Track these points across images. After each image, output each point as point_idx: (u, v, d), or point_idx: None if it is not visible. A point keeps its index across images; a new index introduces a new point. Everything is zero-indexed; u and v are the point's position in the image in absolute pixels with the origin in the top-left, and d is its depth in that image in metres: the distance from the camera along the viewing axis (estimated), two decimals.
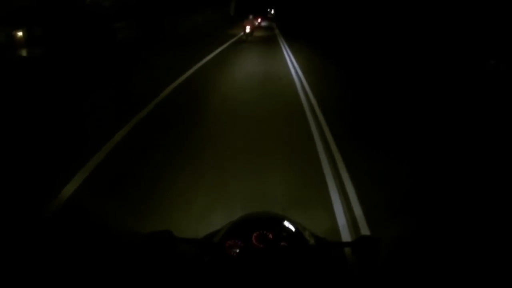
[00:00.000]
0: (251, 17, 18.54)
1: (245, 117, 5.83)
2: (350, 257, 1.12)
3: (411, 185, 3.70)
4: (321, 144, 4.79)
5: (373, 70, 10.59)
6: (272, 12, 48.89)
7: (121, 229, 2.49)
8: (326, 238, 1.19)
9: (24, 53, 9.45)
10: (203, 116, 5.83)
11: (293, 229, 1.12)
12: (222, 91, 7.58)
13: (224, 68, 10.25)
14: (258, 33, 20.24)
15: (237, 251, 1.02)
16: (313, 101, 6.91)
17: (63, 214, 3.05)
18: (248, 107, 6.46)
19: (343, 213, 3.20)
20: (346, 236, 2.90)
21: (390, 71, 10.31)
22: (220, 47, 14.25)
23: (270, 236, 1.05)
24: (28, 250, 2.35)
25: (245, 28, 17.31)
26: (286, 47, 15.60)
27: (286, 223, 1.14)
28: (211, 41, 15.53)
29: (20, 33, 9.69)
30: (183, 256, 1.09)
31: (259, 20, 19.11)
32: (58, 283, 1.00)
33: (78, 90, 6.97)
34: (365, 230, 2.97)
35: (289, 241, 1.06)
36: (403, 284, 1.09)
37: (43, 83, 7.13)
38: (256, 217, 1.21)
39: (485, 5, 9.90)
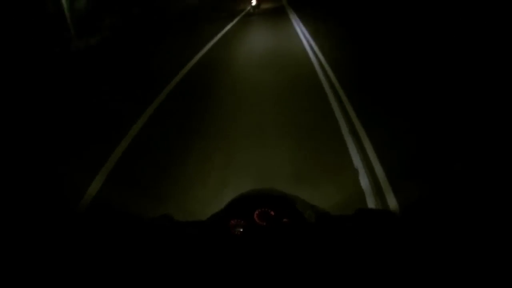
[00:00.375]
0: None
1: (266, 62, 8.01)
2: (354, 230, 1.12)
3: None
4: (326, 82, 6.08)
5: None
6: None
7: (121, 216, 2.52)
8: (329, 213, 1.21)
9: None
10: (237, 60, 8.24)
11: (294, 205, 1.13)
12: (245, 49, 9.59)
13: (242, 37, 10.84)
14: (264, 5, 19.81)
15: (240, 230, 1.03)
16: (317, 50, 8.25)
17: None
18: (265, 60, 8.19)
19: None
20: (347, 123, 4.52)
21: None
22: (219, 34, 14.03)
23: (272, 213, 1.06)
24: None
25: (251, 1, 17.00)
26: (294, 15, 15.29)
27: (286, 200, 1.15)
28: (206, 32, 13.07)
29: None
30: (185, 239, 1.08)
31: None
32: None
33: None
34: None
35: (291, 217, 1.07)
36: (408, 256, 1.06)
37: None
38: (257, 195, 1.22)
39: None
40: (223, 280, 0.95)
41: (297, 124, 4.59)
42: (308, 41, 9.36)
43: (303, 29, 11.44)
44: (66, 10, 8.62)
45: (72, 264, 1.00)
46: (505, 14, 8.02)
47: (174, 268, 0.98)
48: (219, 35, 11.66)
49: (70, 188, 3.48)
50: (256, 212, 1.06)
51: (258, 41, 10.60)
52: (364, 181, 3.33)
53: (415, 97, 5.02)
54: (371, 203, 3.07)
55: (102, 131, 4.95)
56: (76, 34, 9.49)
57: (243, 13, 17.53)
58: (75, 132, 4.97)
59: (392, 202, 3.03)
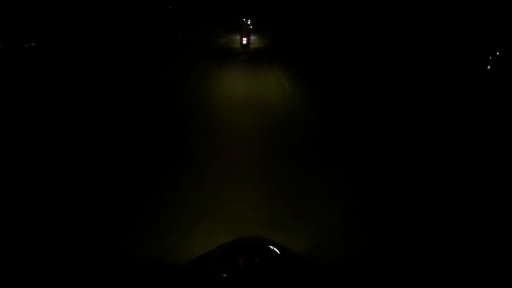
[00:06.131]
0: (245, 29, 19.54)
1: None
2: (336, 277, 1.17)
3: None
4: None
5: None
6: (249, 22, 47.06)
7: (106, 254, 2.52)
8: (311, 260, 1.25)
9: None
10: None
11: (278, 252, 1.18)
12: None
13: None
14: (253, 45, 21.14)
15: (224, 275, 1.06)
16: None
17: None
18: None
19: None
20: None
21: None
22: None
23: (257, 260, 1.10)
24: None
25: (242, 40, 18.24)
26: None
27: (272, 247, 1.20)
28: None
29: None
30: (171, 283, 1.13)
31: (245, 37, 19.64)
32: None
33: None
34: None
35: (276, 263, 1.12)
36: None
37: None
38: (243, 242, 1.26)
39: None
40: None
41: None
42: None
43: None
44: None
45: None
46: None
47: None
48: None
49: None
50: (242, 258, 1.09)
51: None
52: None
53: None
54: None
55: None
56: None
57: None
58: None
59: None
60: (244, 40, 18.20)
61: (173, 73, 12.23)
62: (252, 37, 22.73)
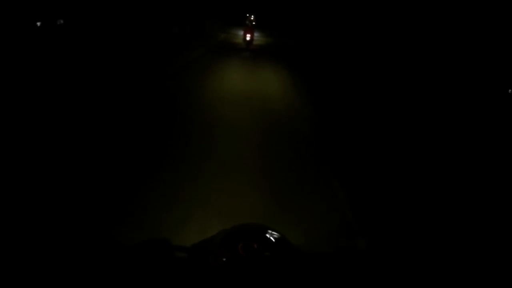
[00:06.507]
0: (249, 25, 18.64)
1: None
2: (332, 268, 1.17)
3: None
4: None
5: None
6: (252, 18, 45.63)
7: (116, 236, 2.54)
8: (307, 250, 1.30)
9: None
10: None
11: (276, 239, 1.23)
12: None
13: None
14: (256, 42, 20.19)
15: (224, 259, 1.11)
16: None
17: None
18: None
19: None
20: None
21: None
22: None
23: (255, 246, 1.15)
24: None
25: (245, 36, 17.26)
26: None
27: (269, 234, 1.25)
28: None
29: None
30: (176, 262, 1.15)
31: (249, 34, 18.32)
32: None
33: None
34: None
35: (272, 250, 1.18)
36: None
37: None
38: (243, 229, 1.32)
39: None
40: None
41: None
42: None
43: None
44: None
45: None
46: None
47: None
48: None
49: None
50: (241, 244, 1.14)
51: None
52: None
53: None
54: None
55: None
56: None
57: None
58: None
59: None
60: (248, 36, 17.19)
61: (166, 70, 11.16)
62: (255, 34, 21.76)
